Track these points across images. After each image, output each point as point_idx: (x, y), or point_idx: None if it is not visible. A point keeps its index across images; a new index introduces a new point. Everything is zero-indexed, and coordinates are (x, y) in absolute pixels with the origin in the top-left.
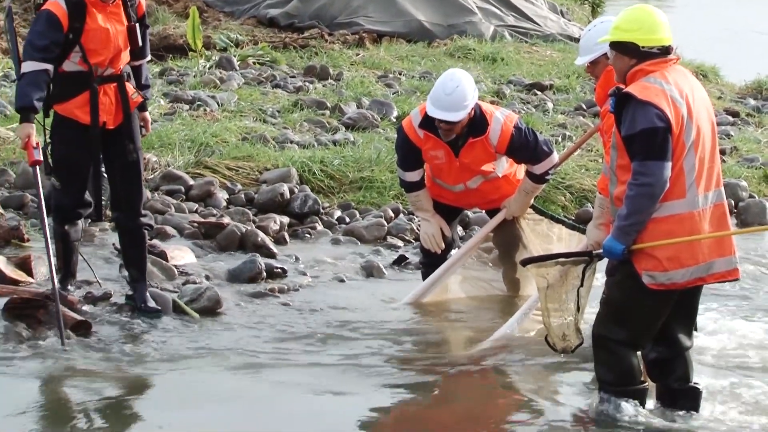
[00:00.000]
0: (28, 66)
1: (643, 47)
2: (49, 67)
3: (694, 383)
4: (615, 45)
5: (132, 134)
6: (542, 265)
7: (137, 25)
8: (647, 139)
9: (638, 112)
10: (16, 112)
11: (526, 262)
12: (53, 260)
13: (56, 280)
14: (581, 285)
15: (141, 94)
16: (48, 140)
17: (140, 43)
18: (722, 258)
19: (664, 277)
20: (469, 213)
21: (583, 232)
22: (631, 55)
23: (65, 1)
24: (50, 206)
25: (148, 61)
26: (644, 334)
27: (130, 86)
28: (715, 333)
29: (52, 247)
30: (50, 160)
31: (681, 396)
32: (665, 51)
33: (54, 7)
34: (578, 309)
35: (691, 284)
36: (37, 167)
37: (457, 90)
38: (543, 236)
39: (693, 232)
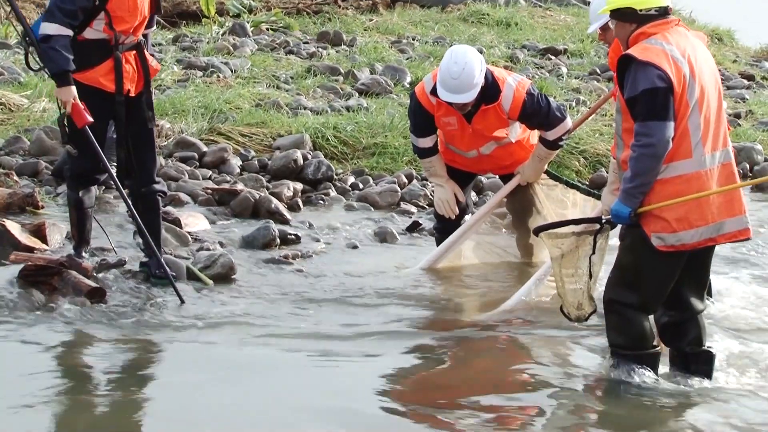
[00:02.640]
0: (52, 28)
1: (640, 10)
2: (71, 33)
3: (708, 347)
4: (614, 13)
5: (151, 102)
6: (555, 235)
7: None
8: (649, 99)
9: (639, 74)
10: (52, 76)
11: (538, 231)
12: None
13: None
14: (593, 252)
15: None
16: (60, 107)
17: (161, 11)
18: (732, 218)
19: (673, 239)
20: (483, 178)
21: (598, 197)
22: (631, 20)
23: None
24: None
25: (162, 28)
26: (655, 298)
27: (148, 54)
28: (729, 297)
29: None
30: (66, 128)
31: (694, 360)
32: (663, 12)
33: None
34: (590, 276)
35: (701, 245)
36: (87, 127)
37: (463, 72)
38: (557, 201)
39: (701, 191)
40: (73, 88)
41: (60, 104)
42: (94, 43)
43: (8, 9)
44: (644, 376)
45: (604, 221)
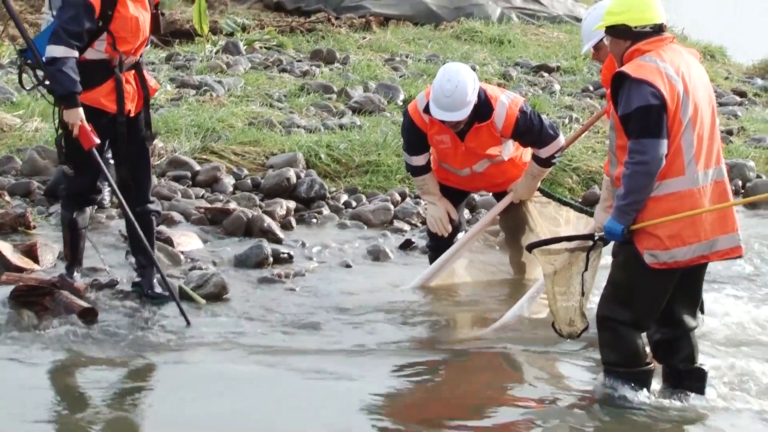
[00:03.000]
0: (60, 51)
1: (635, 27)
2: (78, 54)
3: (700, 364)
4: (609, 30)
5: (150, 121)
6: (549, 251)
7: (159, 12)
8: (642, 116)
9: (633, 91)
10: (59, 98)
11: (531, 247)
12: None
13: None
14: (586, 269)
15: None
16: (58, 128)
17: (161, 32)
18: (725, 235)
19: (666, 256)
20: (476, 196)
21: (591, 215)
22: (625, 37)
23: None
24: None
25: (155, 47)
26: (648, 315)
27: (147, 73)
28: (723, 315)
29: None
30: (63, 148)
31: (686, 377)
32: (658, 29)
33: None
34: (583, 293)
35: (693, 262)
36: (94, 149)
37: (456, 90)
38: (550, 219)
39: (694, 209)
40: (81, 110)
41: (56, 125)
42: (95, 64)
43: (1, 29)
44: (637, 393)
45: (596, 238)
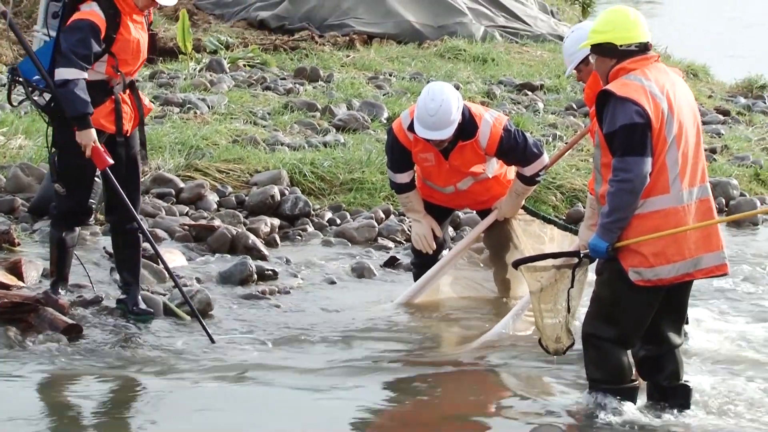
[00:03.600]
0: (71, 73)
1: (620, 46)
2: (87, 75)
3: (685, 381)
4: (594, 48)
5: (145, 140)
6: (535, 268)
7: (155, 34)
8: (627, 134)
9: (618, 109)
10: (72, 119)
11: (517, 264)
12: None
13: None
14: (572, 286)
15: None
16: (51, 146)
17: (156, 52)
18: (710, 253)
19: (650, 273)
20: (460, 214)
21: (575, 232)
22: (611, 55)
23: (103, 11)
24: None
25: None
26: (633, 332)
27: (141, 93)
28: (709, 332)
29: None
30: (56, 166)
31: (671, 394)
32: (643, 48)
33: (96, 18)
34: (569, 310)
35: (678, 280)
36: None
37: (440, 110)
38: (535, 237)
39: (678, 227)
40: (93, 131)
41: (49, 144)
42: (95, 84)
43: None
44: (622, 410)
45: (582, 255)
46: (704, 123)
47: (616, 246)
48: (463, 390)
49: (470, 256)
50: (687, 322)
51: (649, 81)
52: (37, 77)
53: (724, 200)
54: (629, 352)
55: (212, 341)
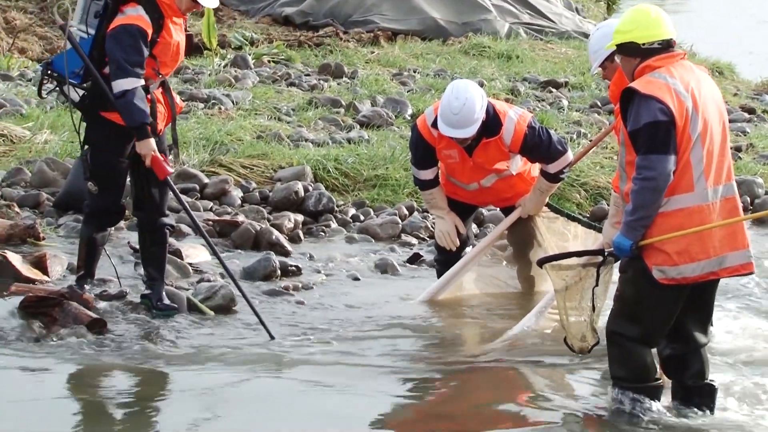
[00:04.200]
0: (130, 83)
1: (643, 44)
2: (143, 83)
3: (710, 380)
4: (619, 48)
5: (176, 138)
6: (560, 267)
7: (191, 35)
8: (651, 132)
9: (642, 107)
10: (132, 129)
11: (542, 262)
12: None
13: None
14: (596, 284)
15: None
16: (83, 143)
17: (192, 53)
18: (735, 252)
19: (674, 272)
20: (484, 210)
21: (599, 230)
22: (635, 54)
23: (149, 15)
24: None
25: None
26: (657, 330)
27: (173, 92)
28: (731, 330)
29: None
30: (89, 164)
31: (696, 393)
32: (667, 45)
33: (143, 23)
34: (593, 309)
35: (702, 279)
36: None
37: (464, 108)
38: (558, 234)
39: (703, 225)
40: (153, 141)
41: (81, 141)
42: None
43: (10, 42)
44: (646, 408)
45: (606, 254)
46: (730, 121)
47: (640, 244)
48: (485, 387)
49: (494, 254)
50: (711, 323)
51: (674, 79)
52: (71, 71)
53: (749, 198)
54: (654, 350)
55: (271, 337)
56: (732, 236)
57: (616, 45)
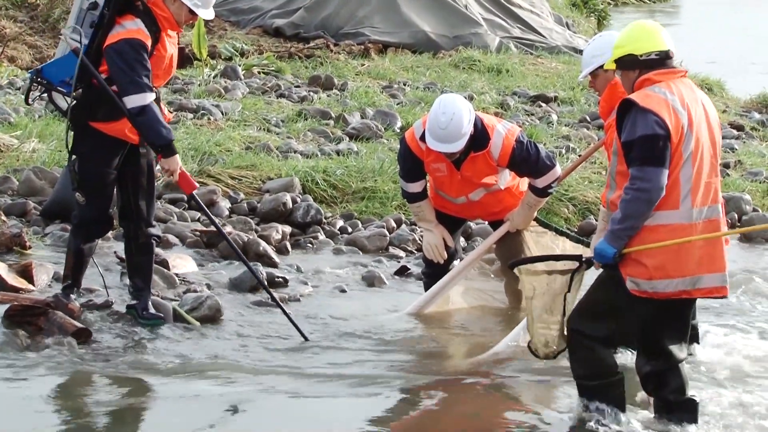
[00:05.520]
0: (145, 98)
1: (641, 56)
2: (155, 95)
3: (691, 395)
4: (618, 63)
5: None
6: (533, 271)
7: (184, 48)
8: (646, 144)
9: (639, 119)
10: (156, 147)
11: (514, 265)
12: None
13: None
14: (568, 291)
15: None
16: (70, 154)
17: (184, 66)
18: (712, 274)
19: (647, 285)
20: (472, 224)
21: (587, 245)
22: (633, 67)
23: (147, 28)
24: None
25: None
26: (621, 336)
27: (162, 103)
28: (717, 347)
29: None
30: (77, 174)
31: (678, 408)
32: (665, 56)
33: (144, 36)
34: (563, 315)
35: (674, 296)
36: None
37: (451, 123)
38: (546, 248)
39: (683, 245)
40: (178, 157)
41: (68, 147)
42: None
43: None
44: (610, 406)
45: (584, 260)
46: None
47: (622, 252)
48: (471, 400)
49: (481, 267)
50: (698, 341)
51: (673, 95)
52: (60, 80)
53: (736, 215)
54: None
55: (305, 339)
56: (710, 258)
57: (615, 61)
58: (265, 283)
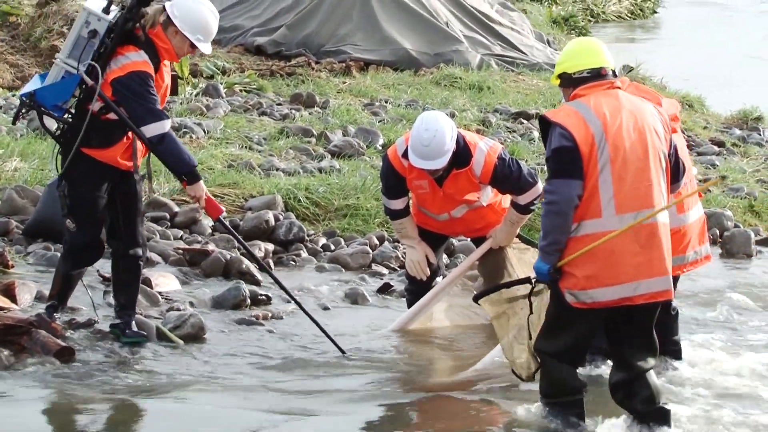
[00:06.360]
0: (163, 126)
1: (573, 74)
2: (171, 122)
3: (662, 404)
4: (559, 83)
5: (151, 173)
6: (495, 301)
7: (176, 75)
8: (555, 157)
9: (552, 134)
10: (181, 176)
11: (476, 299)
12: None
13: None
14: (531, 312)
15: None
16: (60, 179)
17: (177, 93)
18: (652, 279)
19: (585, 296)
20: (455, 241)
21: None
22: (567, 84)
23: (149, 58)
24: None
25: None
26: (574, 350)
27: None
28: (697, 361)
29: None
30: (66, 199)
31: (649, 418)
32: (596, 73)
33: (149, 68)
34: (530, 336)
35: (616, 304)
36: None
37: (434, 140)
38: (529, 265)
39: (613, 252)
40: (202, 183)
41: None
42: (113, 124)
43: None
44: (569, 424)
45: (533, 280)
46: (699, 154)
47: (557, 266)
48: (454, 417)
49: (464, 284)
50: (680, 357)
51: (588, 107)
52: (53, 104)
53: (718, 231)
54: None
55: (343, 353)
56: (649, 263)
57: (556, 78)
58: (313, 318)
